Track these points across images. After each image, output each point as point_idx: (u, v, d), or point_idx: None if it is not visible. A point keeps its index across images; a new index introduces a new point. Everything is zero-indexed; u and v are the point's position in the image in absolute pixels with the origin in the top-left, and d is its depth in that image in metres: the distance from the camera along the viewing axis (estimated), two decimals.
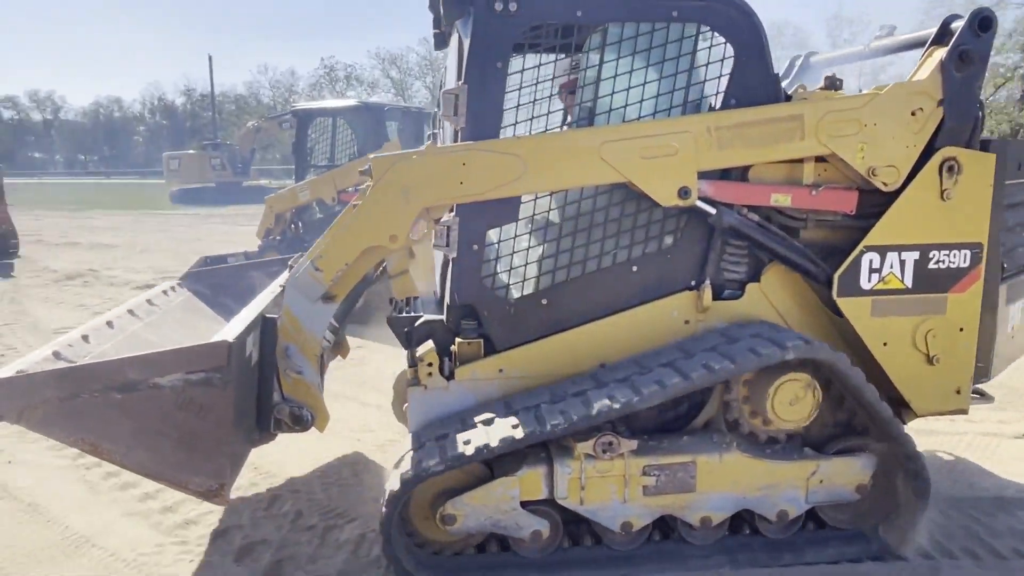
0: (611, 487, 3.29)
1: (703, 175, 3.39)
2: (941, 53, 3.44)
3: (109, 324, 3.75)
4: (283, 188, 11.29)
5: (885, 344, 3.57)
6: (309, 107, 11.43)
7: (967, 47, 3.40)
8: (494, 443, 3.10)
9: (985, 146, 3.61)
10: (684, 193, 3.35)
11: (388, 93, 60.56)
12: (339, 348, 4.44)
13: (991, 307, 3.69)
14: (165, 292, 4.54)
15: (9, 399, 2.63)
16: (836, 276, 3.47)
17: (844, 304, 3.50)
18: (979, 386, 3.95)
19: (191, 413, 2.73)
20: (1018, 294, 4.02)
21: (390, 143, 9.06)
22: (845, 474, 3.47)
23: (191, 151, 34.21)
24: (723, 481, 3.37)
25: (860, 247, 3.47)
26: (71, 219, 24.63)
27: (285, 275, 4.19)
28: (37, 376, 2.70)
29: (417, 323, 3.67)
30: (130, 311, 4.03)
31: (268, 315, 3.25)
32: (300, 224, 10.10)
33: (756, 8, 3.41)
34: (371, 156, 3.26)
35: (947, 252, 3.54)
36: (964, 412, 3.78)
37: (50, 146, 78.49)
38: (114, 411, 2.69)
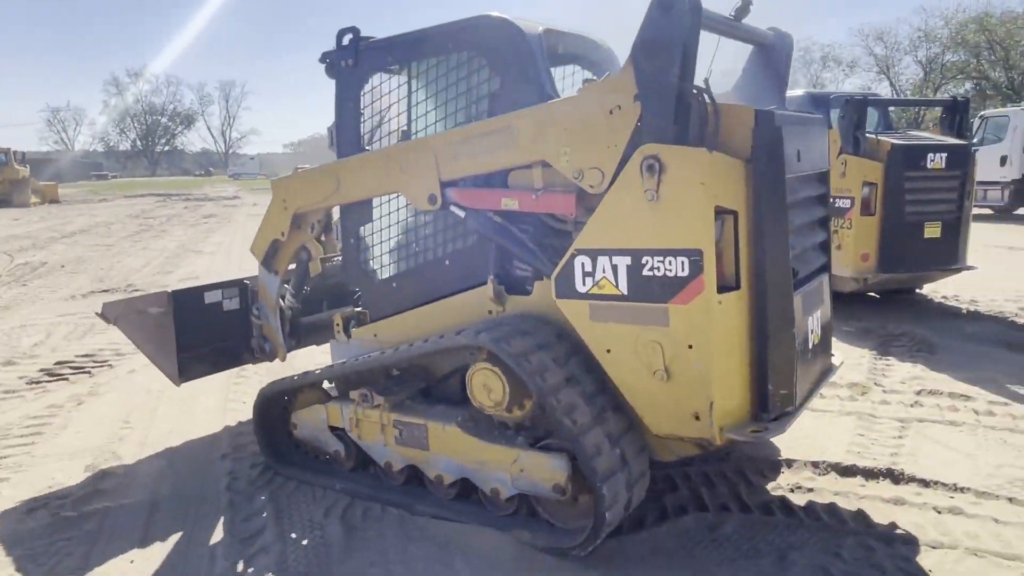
0: (376, 430, 4.18)
1: (451, 183, 3.93)
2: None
3: None
4: None
5: (608, 351, 3.47)
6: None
7: (652, 33, 3.14)
8: (296, 377, 4.41)
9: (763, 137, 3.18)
10: (432, 199, 3.97)
11: (871, 71, 53.82)
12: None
13: (785, 320, 3.19)
14: None
15: (111, 311, 5.13)
16: (552, 277, 3.58)
17: (564, 306, 3.57)
18: (776, 424, 3.32)
19: (160, 329, 4.85)
20: (814, 304, 3.18)
21: (830, 131, 9.09)
22: (541, 469, 3.55)
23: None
24: (447, 448, 3.89)
25: (572, 249, 3.49)
26: None
27: None
28: (120, 301, 5.17)
29: (356, 295, 5.07)
30: None
31: (244, 281, 5.15)
32: None
33: None
34: (271, 179, 4.82)
35: (661, 259, 3.25)
36: (710, 444, 3.31)
37: None
38: (140, 323, 4.98)
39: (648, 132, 3.22)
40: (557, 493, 3.53)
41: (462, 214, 3.94)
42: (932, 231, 8.07)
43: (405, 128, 4.32)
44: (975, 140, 19.83)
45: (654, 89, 3.18)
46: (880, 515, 3.88)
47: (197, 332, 4.93)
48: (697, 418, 3.27)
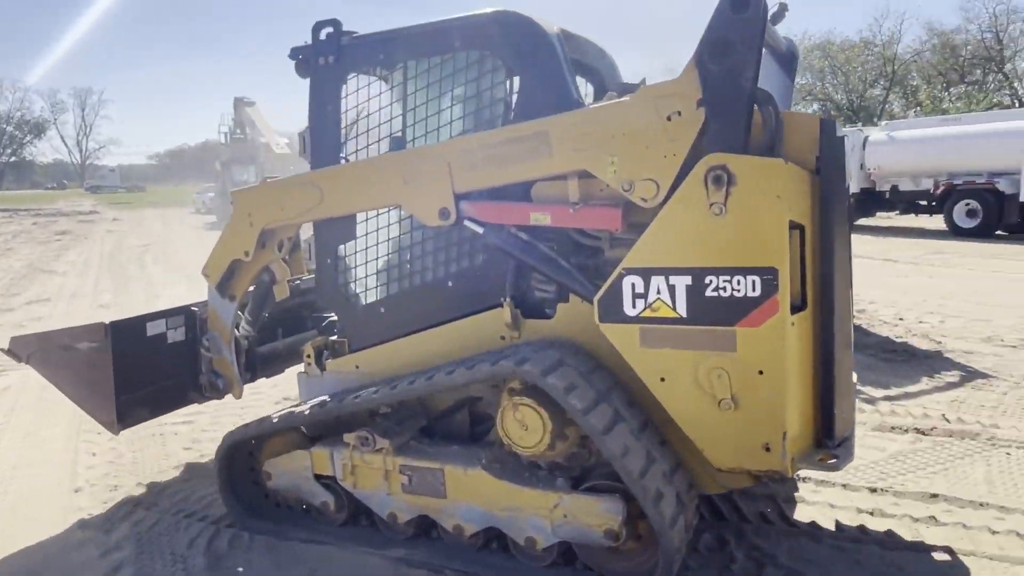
0: (377, 478, 3.67)
1: (466, 196, 3.51)
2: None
3: None
4: None
5: (663, 380, 3.16)
6: None
7: (722, 33, 2.88)
8: (275, 419, 3.81)
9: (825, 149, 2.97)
10: (444, 214, 3.54)
11: None
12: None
13: (848, 340, 2.99)
14: None
15: (21, 348, 4.31)
16: (596, 300, 3.23)
17: (608, 331, 3.22)
18: (843, 449, 3.13)
19: (93, 368, 4.09)
20: None
21: None
22: (590, 514, 3.20)
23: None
24: (470, 494, 3.45)
25: (619, 269, 3.16)
26: None
27: None
28: (32, 336, 4.35)
29: (325, 322, 4.50)
30: None
31: (192, 308, 4.47)
32: None
33: None
34: (232, 190, 4.21)
35: (728, 278, 2.98)
36: (781, 476, 3.08)
37: None
38: (62, 361, 4.19)
39: (713, 140, 2.96)
40: (609, 539, 3.18)
41: (480, 230, 3.52)
42: None
43: (398, 134, 3.85)
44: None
45: (722, 94, 2.91)
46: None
47: (138, 370, 4.20)
48: (767, 449, 3.02)
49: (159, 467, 5.10)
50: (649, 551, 3.24)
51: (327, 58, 3.89)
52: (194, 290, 12.58)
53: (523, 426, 3.26)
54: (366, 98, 3.89)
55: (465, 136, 3.53)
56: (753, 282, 2.93)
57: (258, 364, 4.68)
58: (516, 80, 3.53)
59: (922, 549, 3.60)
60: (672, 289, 3.07)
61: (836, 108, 51.20)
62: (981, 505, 4.00)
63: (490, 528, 3.47)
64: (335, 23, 3.86)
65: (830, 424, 3.17)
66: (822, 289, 3.10)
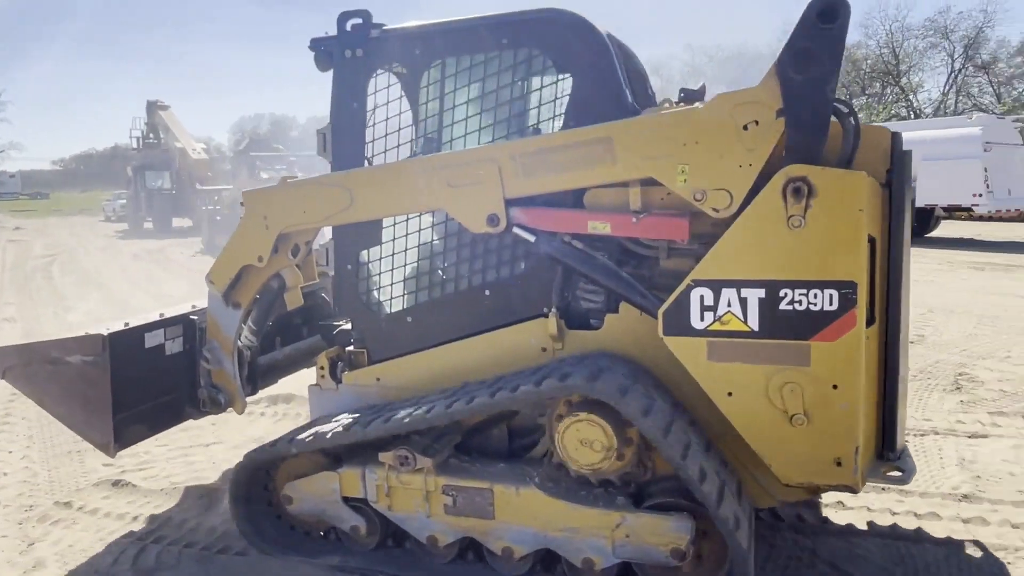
0: (415, 500, 3.46)
1: (518, 202, 3.35)
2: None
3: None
4: None
5: (730, 394, 3.09)
6: None
7: (807, 43, 2.82)
8: (304, 440, 3.54)
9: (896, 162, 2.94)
10: (493, 221, 3.37)
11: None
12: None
13: (907, 353, 2.96)
14: None
15: None
16: (660, 312, 3.13)
17: (673, 344, 3.13)
18: (905, 460, 3.14)
19: (86, 384, 3.71)
20: None
21: None
22: (655, 533, 3.10)
23: (264, 176, 36.80)
24: (522, 515, 3.29)
25: (687, 280, 3.07)
26: None
27: None
28: (10, 348, 3.93)
29: (336, 331, 4.24)
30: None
31: (191, 316, 4.12)
32: None
33: None
34: (243, 190, 3.91)
35: (804, 292, 2.93)
36: (852, 490, 3.07)
37: None
38: (48, 377, 3.79)
39: (793, 151, 2.90)
40: (675, 559, 3.09)
41: (531, 238, 3.36)
42: None
43: (431, 135, 3.65)
44: None
45: (804, 105, 2.86)
46: None
47: (136, 385, 3.85)
48: (839, 464, 2.99)
49: (77, 484, 4.83)
50: (708, 568, 3.17)
51: (354, 51, 3.64)
52: (107, 302, 11.90)
53: (585, 443, 3.13)
54: (397, 95, 3.66)
55: (520, 139, 3.37)
56: (831, 296, 2.89)
57: (258, 376, 4.37)
58: (567, 82, 3.38)
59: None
60: (744, 302, 3.01)
61: None
62: None
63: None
64: (364, 14, 3.62)
65: (891, 436, 3.18)
66: (888, 302, 3.10)
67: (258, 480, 3.81)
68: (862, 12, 44.53)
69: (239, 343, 4.11)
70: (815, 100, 2.85)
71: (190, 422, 4.49)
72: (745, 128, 2.94)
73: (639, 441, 3.18)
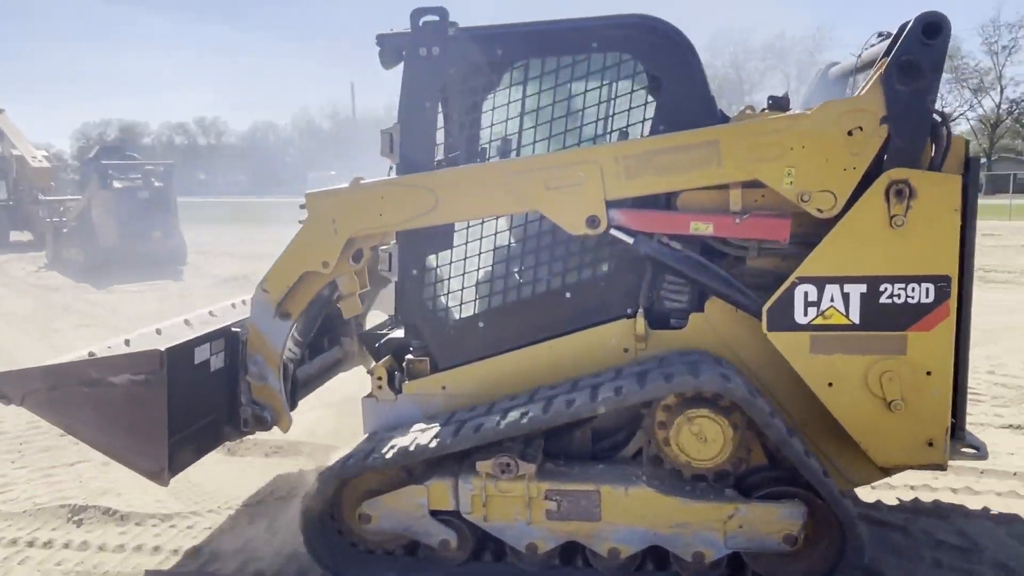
0: (514, 507, 3.38)
1: (617, 204, 3.39)
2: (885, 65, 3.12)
3: (187, 322, 4.53)
4: None
5: (830, 385, 3.27)
6: None
7: (912, 56, 3.06)
8: (390, 453, 3.37)
9: (969, 166, 3.22)
10: (592, 222, 3.38)
11: None
12: (356, 359, 4.96)
13: (964, 349, 3.23)
14: (243, 303, 5.31)
15: (12, 386, 3.43)
16: (765, 309, 3.27)
17: (777, 339, 3.28)
18: (972, 438, 3.45)
19: (135, 407, 3.35)
20: None
21: None
22: (768, 521, 3.22)
23: (332, 172, 36.45)
24: (630, 514, 3.31)
25: (792, 278, 3.23)
26: (230, 233, 27.51)
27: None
28: (32, 370, 3.48)
29: (384, 339, 4.06)
30: (211, 312, 4.78)
31: (233, 328, 3.82)
32: None
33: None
34: (306, 191, 3.70)
35: (903, 286, 3.17)
36: (941, 468, 3.33)
37: (213, 168, 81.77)
38: (83, 402, 3.38)
39: (895, 156, 3.13)
40: (787, 544, 3.22)
41: (629, 240, 3.40)
42: None
43: (511, 136, 3.60)
44: None
45: (907, 113, 3.10)
46: None
47: (187, 404, 3.51)
48: (931, 444, 3.26)
49: None
50: (815, 551, 3.33)
51: (430, 49, 3.53)
52: None
53: (701, 439, 3.21)
54: (479, 96, 3.59)
55: (623, 142, 3.40)
56: (927, 289, 3.15)
57: (298, 390, 4.11)
58: (656, 87, 3.45)
59: None
60: (846, 297, 3.21)
61: None
62: None
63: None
64: (441, 11, 3.52)
65: (962, 418, 3.48)
66: (963, 293, 3.40)
67: (331, 500, 3.59)
68: (708, 34, 48.12)
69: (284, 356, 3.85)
70: (917, 109, 3.09)
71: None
72: (850, 134, 3.14)
73: (745, 434, 3.29)
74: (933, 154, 3.20)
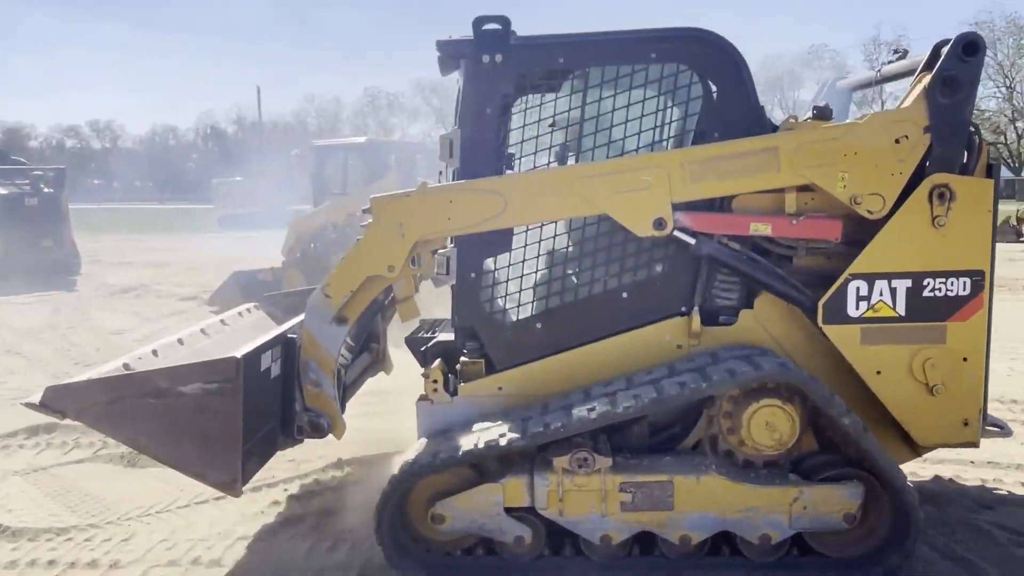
0: (589, 501, 3.49)
1: (681, 206, 3.56)
2: (928, 79, 3.43)
3: (180, 341, 4.41)
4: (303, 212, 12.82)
5: (879, 373, 3.55)
6: (326, 143, 12.84)
7: (952, 72, 3.38)
8: (470, 447, 3.42)
9: (991, 171, 3.57)
10: (659, 224, 3.54)
11: (429, 120, 63.22)
12: (382, 364, 4.94)
13: (989, 337, 3.58)
14: (240, 313, 5.20)
15: (70, 400, 3.27)
16: (821, 304, 3.51)
17: (831, 332, 3.53)
18: (996, 418, 3.81)
19: (208, 416, 3.26)
20: None
21: (390, 174, 10.50)
22: (830, 502, 3.45)
23: (238, 178, 35.58)
24: (702, 502, 3.47)
25: (845, 274, 3.49)
26: (127, 242, 26.78)
27: None
28: (91, 382, 3.33)
29: (431, 343, 4.08)
30: (202, 330, 4.68)
31: (290, 335, 3.77)
32: (317, 243, 11.38)
33: (794, 32, 3.49)
34: (371, 196, 3.70)
35: (944, 280, 3.48)
36: (975, 446, 3.66)
37: (108, 173, 78.88)
38: (148, 413, 3.27)
39: (938, 162, 3.44)
40: (847, 523, 3.46)
41: (691, 240, 3.58)
42: None
43: (572, 140, 3.72)
44: None
45: (948, 123, 3.41)
46: None
47: (255, 413, 3.44)
48: (966, 424, 3.58)
49: None
50: (870, 528, 3.58)
51: (492, 57, 3.61)
52: None
53: (770, 427, 3.41)
54: (538, 102, 3.69)
55: (688, 148, 3.57)
56: (964, 283, 3.48)
57: (345, 395, 4.07)
58: (711, 96, 3.65)
59: None
60: (893, 291, 3.50)
61: None
62: None
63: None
64: (504, 20, 3.61)
65: (986, 400, 3.83)
66: (990, 285, 3.74)
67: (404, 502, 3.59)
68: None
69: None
70: (956, 119, 3.41)
71: None
72: (897, 142, 3.43)
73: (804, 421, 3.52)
74: (966, 160, 3.52)
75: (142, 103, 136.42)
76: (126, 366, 3.78)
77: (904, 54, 4.09)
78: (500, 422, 3.62)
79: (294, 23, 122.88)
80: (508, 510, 3.53)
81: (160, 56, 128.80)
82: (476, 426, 3.65)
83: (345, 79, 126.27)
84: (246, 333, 4.99)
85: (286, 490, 4.88)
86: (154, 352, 4.12)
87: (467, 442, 3.50)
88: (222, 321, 4.89)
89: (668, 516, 3.50)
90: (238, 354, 3.25)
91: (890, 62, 4.07)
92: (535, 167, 3.71)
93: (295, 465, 5.18)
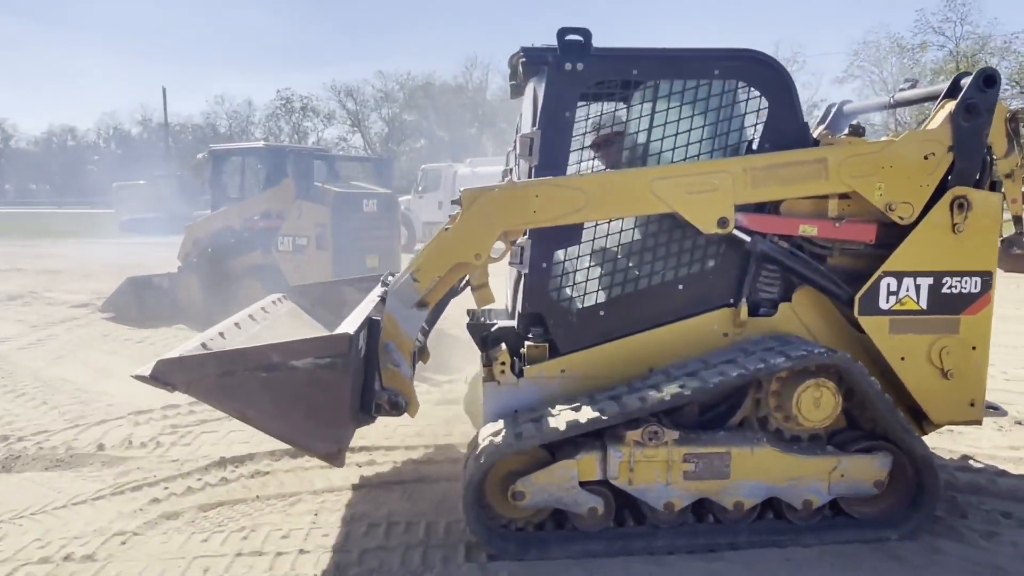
0: (656, 471, 3.85)
1: (739, 208, 3.98)
2: (951, 106, 3.98)
3: (237, 325, 4.52)
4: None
5: (903, 359, 4.06)
6: (224, 148, 12.39)
7: (973, 100, 3.94)
8: (579, 421, 3.72)
9: (994, 186, 4.15)
10: (723, 223, 3.95)
11: (345, 124, 62.97)
12: (422, 354, 5.15)
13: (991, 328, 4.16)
14: (274, 302, 5.33)
15: (180, 373, 3.37)
16: (857, 297, 4.00)
17: (865, 322, 4.02)
18: (992, 401, 4.39)
19: (318, 390, 3.43)
20: None
21: (287, 180, 10.51)
22: (864, 470, 3.94)
23: (141, 181, 34.46)
24: (755, 471, 3.89)
25: (879, 271, 3.99)
26: (19, 247, 25.42)
27: (379, 288, 4.95)
28: (204, 356, 3.44)
29: (492, 329, 4.35)
30: (250, 315, 4.80)
31: (373, 317, 3.97)
32: (213, 248, 11.03)
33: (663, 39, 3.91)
34: (461, 188, 3.96)
35: (959, 279, 4.03)
36: (978, 423, 4.23)
37: (1, 175, 74.53)
38: (259, 386, 3.40)
39: (958, 176, 3.99)
40: (877, 489, 3.95)
41: (747, 238, 4.00)
42: (372, 261, 10.42)
43: (638, 145, 4.09)
44: (420, 188, 24.85)
45: (968, 144, 3.96)
46: None
47: (354, 388, 3.63)
48: (972, 404, 4.14)
49: None
50: (892, 492, 4.06)
51: (575, 65, 3.94)
52: None
53: (816, 404, 3.86)
54: (611, 108, 4.04)
55: (750, 156, 3.99)
56: (976, 281, 4.04)
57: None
58: (765, 111, 4.09)
59: None
60: (918, 288, 4.02)
61: (439, 143, 56.56)
62: None
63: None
64: (585, 32, 3.95)
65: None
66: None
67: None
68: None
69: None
70: (975, 140, 3.97)
71: None
72: (926, 158, 3.96)
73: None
74: (979, 175, 4.09)
75: (37, 102, 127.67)
76: (204, 345, 3.88)
77: (915, 84, 4.67)
78: (579, 402, 3.92)
79: (202, 22, 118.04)
80: (582, 484, 3.85)
81: (61, 53, 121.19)
82: (554, 407, 3.94)
83: (257, 81, 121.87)
84: (286, 320, 5.13)
85: (166, 488, 4.89)
86: (221, 334, 4.22)
87: (556, 422, 3.78)
88: (263, 309, 4.98)
89: (724, 484, 3.89)
90: (350, 330, 3.44)
91: (902, 90, 4.64)
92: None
93: (177, 465, 5.28)
